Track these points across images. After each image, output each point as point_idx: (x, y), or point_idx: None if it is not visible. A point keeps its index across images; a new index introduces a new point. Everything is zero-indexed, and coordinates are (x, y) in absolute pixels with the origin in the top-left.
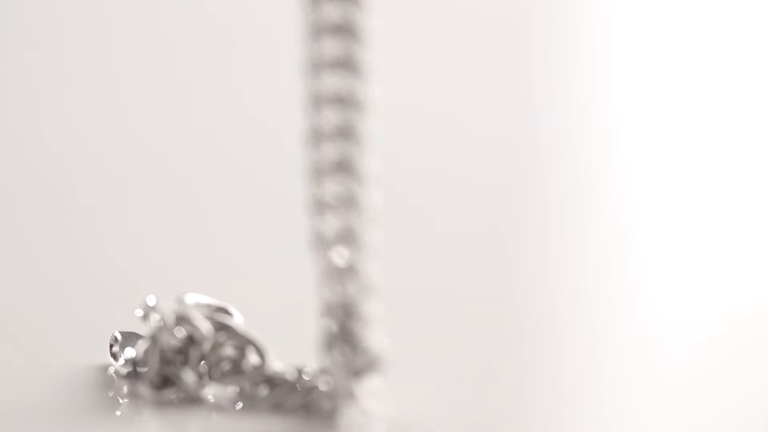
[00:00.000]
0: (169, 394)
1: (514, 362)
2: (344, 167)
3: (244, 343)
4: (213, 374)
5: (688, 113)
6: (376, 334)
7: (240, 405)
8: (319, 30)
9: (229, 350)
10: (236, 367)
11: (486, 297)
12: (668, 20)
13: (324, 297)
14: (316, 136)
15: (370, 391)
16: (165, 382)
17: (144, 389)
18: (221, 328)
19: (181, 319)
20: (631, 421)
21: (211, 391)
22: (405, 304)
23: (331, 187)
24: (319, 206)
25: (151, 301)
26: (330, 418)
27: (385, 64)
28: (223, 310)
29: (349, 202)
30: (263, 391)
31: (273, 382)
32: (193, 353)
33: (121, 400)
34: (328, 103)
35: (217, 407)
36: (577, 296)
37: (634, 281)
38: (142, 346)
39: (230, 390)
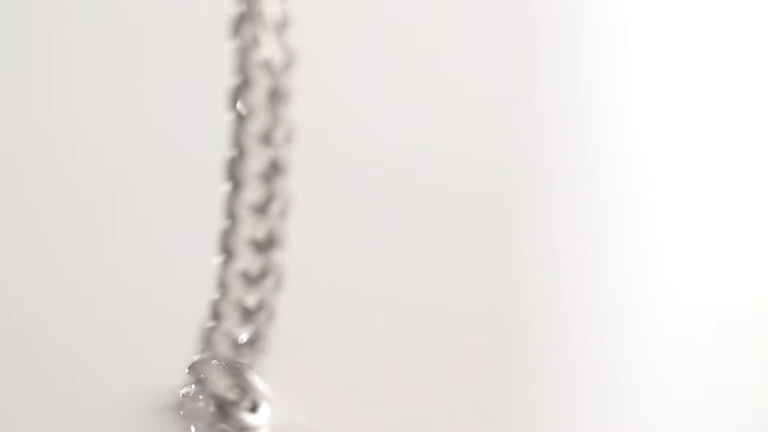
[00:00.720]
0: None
1: (517, 366)
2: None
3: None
4: None
5: (698, 114)
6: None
7: None
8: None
9: None
10: None
11: (489, 300)
12: (667, 21)
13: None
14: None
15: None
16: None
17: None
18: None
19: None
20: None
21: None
22: (405, 306)
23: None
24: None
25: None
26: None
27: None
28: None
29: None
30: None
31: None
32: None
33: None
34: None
35: None
36: (581, 299)
37: (633, 283)
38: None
39: None
